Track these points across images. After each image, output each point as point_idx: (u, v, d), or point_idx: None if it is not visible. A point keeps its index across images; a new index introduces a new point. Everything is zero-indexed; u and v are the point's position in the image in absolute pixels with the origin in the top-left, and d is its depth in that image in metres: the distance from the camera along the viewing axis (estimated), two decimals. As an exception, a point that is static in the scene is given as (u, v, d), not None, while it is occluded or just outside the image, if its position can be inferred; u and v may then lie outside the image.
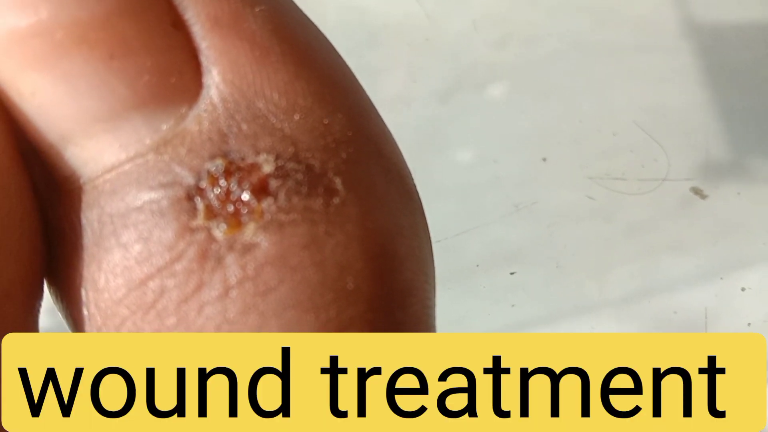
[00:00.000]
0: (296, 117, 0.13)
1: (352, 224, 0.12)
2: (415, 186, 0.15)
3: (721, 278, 0.32)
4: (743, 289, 0.31)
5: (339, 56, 0.14)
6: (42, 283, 0.13)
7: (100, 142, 0.12)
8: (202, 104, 0.12)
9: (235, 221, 0.12)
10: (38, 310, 0.13)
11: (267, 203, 0.12)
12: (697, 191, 0.32)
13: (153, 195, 0.12)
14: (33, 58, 0.12)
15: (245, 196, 0.12)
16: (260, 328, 0.12)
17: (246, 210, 0.12)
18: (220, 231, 0.12)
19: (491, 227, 0.32)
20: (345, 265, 0.12)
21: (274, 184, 0.12)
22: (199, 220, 0.12)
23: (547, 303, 0.33)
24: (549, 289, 0.33)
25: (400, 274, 0.13)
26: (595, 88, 0.37)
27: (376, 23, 0.38)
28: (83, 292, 0.13)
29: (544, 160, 0.34)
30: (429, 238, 0.14)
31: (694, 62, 0.38)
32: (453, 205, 0.34)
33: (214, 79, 0.12)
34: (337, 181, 0.13)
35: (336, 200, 0.12)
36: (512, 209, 0.32)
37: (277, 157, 0.12)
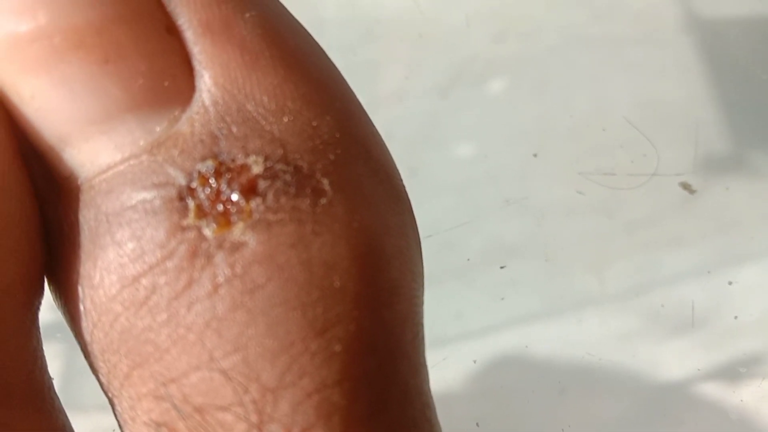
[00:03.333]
0: (285, 119, 0.13)
1: (338, 224, 0.13)
2: (404, 187, 0.15)
3: (709, 272, 0.33)
4: (730, 283, 0.31)
5: (328, 59, 0.15)
6: (42, 282, 0.14)
7: (96, 143, 0.13)
8: (195, 107, 0.13)
9: (225, 220, 0.13)
10: (38, 308, 0.14)
11: (255, 203, 0.13)
12: (686, 186, 0.32)
13: (146, 194, 0.13)
14: (32, 63, 0.12)
15: (234, 196, 0.13)
16: (248, 325, 0.12)
17: (235, 210, 0.13)
18: (209, 230, 0.12)
19: (483, 222, 0.32)
20: (331, 264, 0.13)
21: (262, 184, 0.13)
22: (190, 219, 0.12)
23: (537, 297, 0.33)
24: (539, 283, 0.33)
25: (387, 272, 0.13)
26: (587, 82, 0.38)
27: (374, 18, 0.38)
28: (80, 289, 0.13)
29: (535, 155, 0.34)
30: (417, 237, 0.15)
31: (688, 56, 0.38)
32: (449, 199, 0.35)
33: (206, 83, 0.13)
34: (325, 182, 0.13)
35: (323, 200, 0.13)
36: (503, 204, 0.32)
37: (266, 159, 0.13)
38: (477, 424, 0.31)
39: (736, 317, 0.32)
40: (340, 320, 0.13)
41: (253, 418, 0.12)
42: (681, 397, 0.33)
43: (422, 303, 0.15)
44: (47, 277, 0.14)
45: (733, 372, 0.33)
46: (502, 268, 0.32)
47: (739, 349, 0.33)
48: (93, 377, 0.14)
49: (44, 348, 0.14)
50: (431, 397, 0.15)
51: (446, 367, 0.29)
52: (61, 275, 0.13)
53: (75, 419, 0.15)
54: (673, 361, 0.34)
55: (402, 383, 0.14)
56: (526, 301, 0.33)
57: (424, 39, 0.37)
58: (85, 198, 0.13)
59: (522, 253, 0.34)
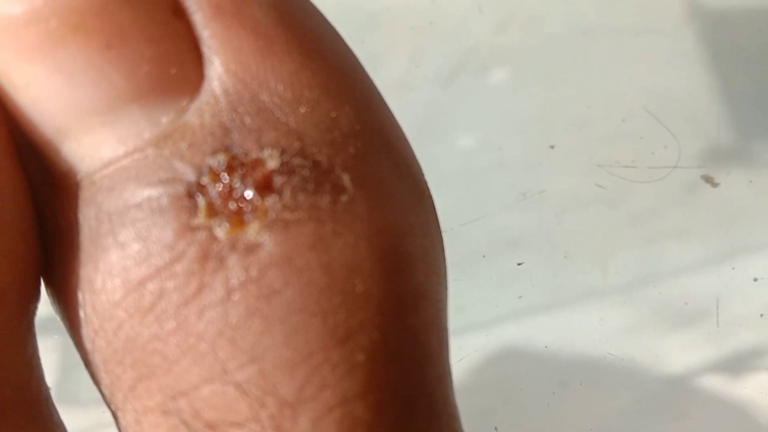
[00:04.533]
0: (302, 110, 0.12)
1: (360, 223, 0.12)
2: (426, 182, 0.14)
3: (733, 268, 0.32)
4: (755, 280, 0.31)
5: (346, 46, 0.14)
6: (38, 285, 0.13)
7: (97, 136, 0.12)
8: (204, 96, 0.12)
9: (238, 220, 0.12)
10: (34, 314, 0.13)
11: (271, 201, 0.12)
12: (708, 179, 0.31)
13: (152, 192, 0.12)
14: (27, 48, 0.11)
15: (248, 194, 0.12)
16: (264, 334, 0.11)
17: (249, 208, 0.12)
18: (222, 230, 0.11)
19: (498, 216, 0.31)
20: (353, 267, 0.12)
21: (278, 180, 0.12)
22: (200, 219, 0.11)
23: (554, 293, 0.32)
24: (556, 279, 0.32)
25: (412, 276, 0.12)
26: (602, 72, 0.37)
27: (377, 6, 0.37)
28: (80, 294, 0.12)
29: (552, 147, 0.33)
30: (441, 236, 0.14)
31: (704, 46, 0.37)
32: (457, 192, 0.34)
33: (216, 70, 0.12)
34: (345, 178, 0.12)
35: (344, 198, 0.12)
36: (519, 198, 0.31)
37: (282, 153, 0.12)
38: (478, 417, 0.30)
39: (761, 315, 0.31)
40: (363, 328, 0.12)
41: None
42: (684, 391, 0.33)
43: (446, 307, 0.14)
44: (44, 280, 0.13)
45: (737, 365, 0.33)
46: (519, 264, 0.31)
47: (743, 341, 0.33)
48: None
49: (39, 341, 0.13)
50: (457, 408, 0.14)
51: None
52: (59, 279, 0.13)
53: (72, 414, 0.14)
54: (677, 353, 0.33)
55: (428, 394, 0.13)
56: (544, 297, 0.32)
57: (431, 27, 0.36)
58: (85, 195, 0.12)
59: (540, 249, 0.33)
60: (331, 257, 0.12)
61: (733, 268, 0.32)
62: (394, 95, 0.14)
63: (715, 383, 0.33)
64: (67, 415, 0.14)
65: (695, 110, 0.35)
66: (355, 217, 0.12)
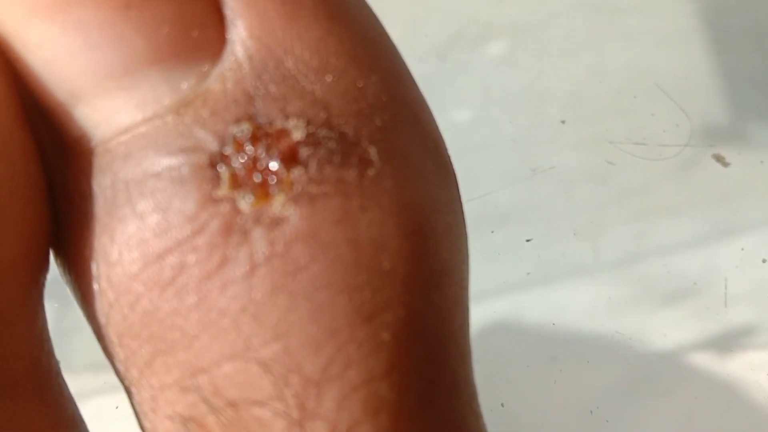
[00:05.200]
0: (328, 78, 0.12)
1: (387, 198, 0.12)
2: (450, 159, 0.14)
3: (742, 248, 0.32)
4: (764, 261, 0.30)
5: (374, 14, 0.13)
6: (47, 255, 0.12)
7: (113, 100, 0.11)
8: (227, 61, 0.11)
9: (263, 192, 0.11)
10: (43, 284, 0.12)
11: (297, 173, 0.11)
12: (718, 158, 0.31)
13: (172, 161, 0.11)
14: (40, 5, 0.11)
15: (274, 165, 0.11)
16: (289, 311, 0.11)
17: (274, 180, 0.11)
18: (246, 202, 0.11)
19: (507, 191, 0.31)
20: (380, 243, 0.11)
21: (304, 152, 0.11)
22: (224, 190, 0.11)
23: (562, 269, 0.32)
24: (565, 255, 0.32)
25: (438, 253, 0.12)
26: (612, 48, 0.36)
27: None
28: (93, 266, 0.12)
29: (563, 122, 0.33)
30: (463, 215, 0.13)
31: (718, 24, 0.37)
32: (456, 167, 0.33)
33: (240, 34, 0.11)
34: (372, 151, 0.12)
35: (371, 171, 0.11)
36: (529, 173, 0.31)
37: (308, 123, 0.11)
38: (484, 392, 0.30)
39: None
40: (389, 305, 0.11)
41: (295, 414, 0.11)
42: (672, 367, 0.33)
43: (468, 286, 0.14)
44: (53, 251, 0.13)
45: (724, 342, 0.33)
46: (528, 241, 0.31)
47: (730, 319, 0.33)
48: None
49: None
50: (476, 388, 0.14)
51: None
52: (71, 249, 0.12)
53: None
54: (665, 330, 0.33)
55: (451, 373, 0.12)
56: (553, 275, 0.32)
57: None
58: (99, 163, 0.12)
59: (549, 226, 0.32)
60: (357, 233, 0.11)
61: (743, 249, 0.32)
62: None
63: (702, 360, 0.33)
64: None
65: (707, 89, 0.35)
66: (382, 192, 0.12)
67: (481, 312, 0.31)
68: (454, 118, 0.34)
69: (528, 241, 0.31)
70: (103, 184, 0.12)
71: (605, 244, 0.32)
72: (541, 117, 0.33)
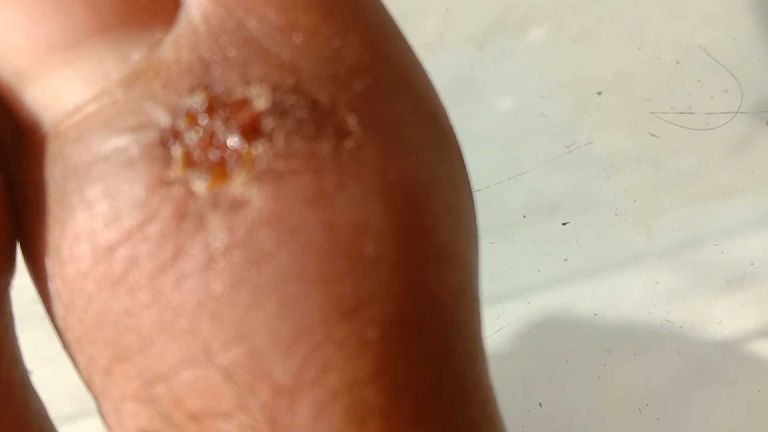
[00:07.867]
0: (297, 39, 0.10)
1: (370, 173, 0.10)
2: (452, 127, 0.12)
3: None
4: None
5: None
6: (12, 257, 0.11)
7: (59, 78, 0.10)
8: (181, 27, 0.10)
9: (220, 171, 0.10)
10: (7, 289, 0.11)
11: (260, 148, 0.10)
12: (774, 125, 0.28)
13: (121, 141, 0.10)
14: None
15: (233, 140, 0.10)
16: (253, 307, 0.09)
17: (234, 157, 0.10)
18: (201, 184, 0.10)
19: (539, 172, 0.29)
20: (361, 226, 0.10)
21: (269, 123, 0.10)
22: (176, 171, 0.10)
23: (602, 255, 0.30)
24: (605, 240, 0.30)
25: (434, 235, 0.10)
26: (650, 14, 0.34)
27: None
28: (48, 264, 0.10)
29: (599, 93, 0.30)
30: (470, 191, 0.12)
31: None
32: (495, 153, 0.32)
33: None
34: (351, 120, 0.10)
35: (349, 143, 0.10)
36: (563, 150, 0.29)
37: (273, 90, 0.10)
38: (520, 391, 0.28)
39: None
40: (375, 297, 0.10)
41: (263, 428, 0.09)
42: (729, 357, 0.31)
43: (478, 273, 0.12)
44: (22, 251, 0.11)
45: None
46: (564, 224, 0.29)
47: None
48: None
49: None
50: (492, 389, 0.12)
51: (489, 325, 0.27)
52: (30, 247, 0.11)
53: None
54: (720, 318, 0.31)
55: (456, 375, 0.11)
56: (591, 260, 0.30)
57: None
58: (51, 149, 0.10)
59: (586, 207, 0.30)
60: (333, 214, 0.10)
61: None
62: (426, 58, 0.12)
63: (765, 348, 0.31)
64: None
65: (758, 49, 0.32)
66: (364, 167, 0.10)
67: (513, 304, 0.29)
68: (496, 107, 0.32)
69: (564, 224, 0.29)
70: (54, 172, 0.10)
71: (651, 226, 0.30)
72: (575, 91, 0.31)
